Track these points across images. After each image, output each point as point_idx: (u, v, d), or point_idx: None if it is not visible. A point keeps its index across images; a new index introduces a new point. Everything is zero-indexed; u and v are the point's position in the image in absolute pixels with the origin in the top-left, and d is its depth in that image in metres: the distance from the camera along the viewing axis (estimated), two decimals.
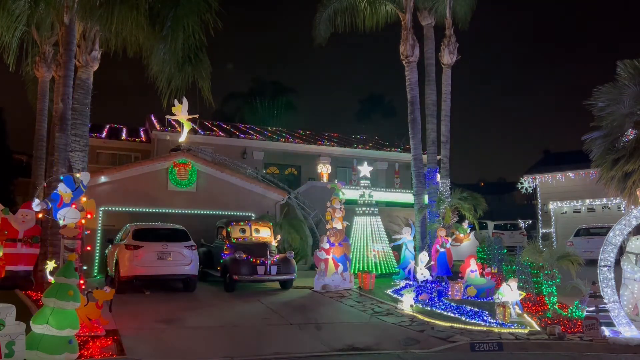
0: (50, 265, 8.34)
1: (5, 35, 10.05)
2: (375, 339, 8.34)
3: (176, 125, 20.84)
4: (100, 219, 15.40)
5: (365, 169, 16.82)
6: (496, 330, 8.90)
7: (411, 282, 13.46)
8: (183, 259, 11.97)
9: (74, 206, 8.04)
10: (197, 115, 16.51)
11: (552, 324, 8.76)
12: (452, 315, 9.87)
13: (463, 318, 9.63)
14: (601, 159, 11.42)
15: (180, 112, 16.07)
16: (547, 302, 10.20)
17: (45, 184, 10.74)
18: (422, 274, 13.03)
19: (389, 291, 12.41)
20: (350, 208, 16.04)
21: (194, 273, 12.24)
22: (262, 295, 12.04)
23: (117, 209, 15.76)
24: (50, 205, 7.99)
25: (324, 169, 24.37)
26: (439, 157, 16.63)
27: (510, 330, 8.86)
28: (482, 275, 12.04)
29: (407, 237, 14.52)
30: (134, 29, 10.88)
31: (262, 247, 12.73)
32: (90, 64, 11.27)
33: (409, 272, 14.18)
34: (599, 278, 8.43)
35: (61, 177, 8.31)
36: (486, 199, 16.38)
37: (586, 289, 9.52)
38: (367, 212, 15.67)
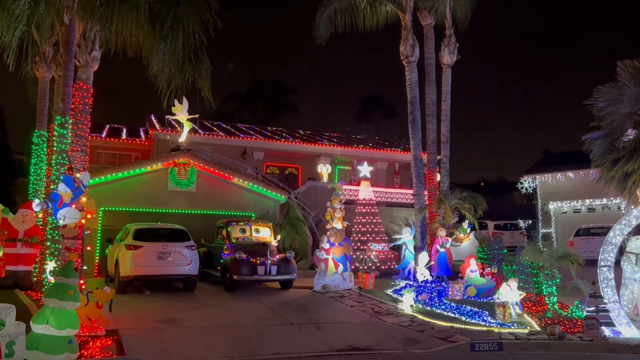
0: (51, 265, 8.35)
1: (5, 35, 10.02)
2: (375, 339, 8.34)
3: (176, 125, 20.83)
4: (100, 219, 15.42)
5: (365, 169, 16.83)
6: (496, 330, 8.91)
7: (411, 282, 13.46)
8: (183, 259, 11.97)
9: (74, 206, 8.04)
10: (197, 115, 16.53)
11: (552, 324, 8.76)
12: (452, 315, 9.88)
13: (463, 318, 9.63)
14: (601, 159, 11.40)
15: (180, 112, 16.11)
16: (547, 302, 10.20)
17: (45, 184, 10.73)
18: (422, 274, 13.03)
19: (389, 291, 12.41)
20: (351, 208, 16.07)
21: (194, 273, 12.24)
22: (262, 295, 12.04)
23: (117, 209, 15.77)
24: (50, 205, 7.99)
25: (324, 169, 24.37)
26: (439, 157, 16.63)
27: (510, 330, 8.86)
28: (482, 275, 12.04)
29: (407, 237, 14.52)
30: (134, 29, 10.87)
31: (262, 247, 12.73)
32: (90, 64, 11.25)
33: (409, 272, 14.18)
34: (599, 278, 8.42)
35: (61, 177, 8.30)
36: (486, 199, 16.38)
37: (586, 289, 9.52)
38: None
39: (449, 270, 13.68)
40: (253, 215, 17.15)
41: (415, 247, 14.83)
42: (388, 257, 15.81)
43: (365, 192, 16.67)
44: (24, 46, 11.61)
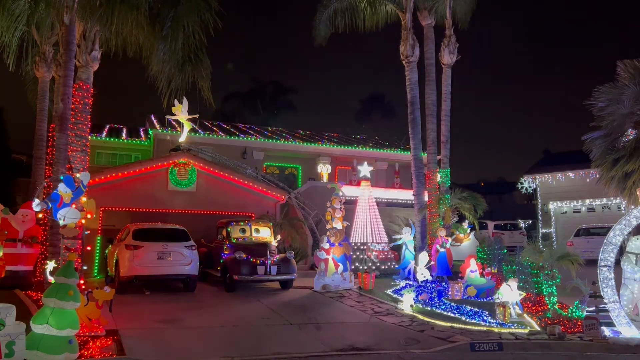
0: (50, 265, 8.33)
1: (5, 35, 10.04)
2: (375, 339, 8.34)
3: (176, 125, 20.84)
4: (100, 219, 15.41)
5: (365, 169, 16.83)
6: (496, 330, 8.91)
7: (411, 282, 13.46)
8: (183, 259, 11.97)
9: (74, 206, 8.03)
10: (197, 115, 16.53)
11: (552, 324, 8.76)
12: (452, 315, 9.88)
13: (463, 318, 9.63)
14: (601, 159, 11.41)
15: (180, 112, 16.11)
16: (547, 302, 10.20)
17: (45, 184, 10.73)
18: (422, 274, 13.03)
19: (389, 291, 12.42)
20: (350, 208, 16.05)
21: (194, 273, 12.24)
22: (262, 295, 12.04)
23: (117, 209, 15.77)
24: (50, 205, 7.98)
25: (324, 169, 24.37)
26: (439, 157, 16.64)
27: (510, 330, 8.86)
28: (482, 275, 12.04)
29: (407, 237, 14.52)
30: (134, 29, 10.89)
31: (262, 247, 12.73)
32: (90, 64, 11.26)
33: (409, 272, 14.18)
34: (599, 278, 8.43)
35: (61, 177, 8.30)
36: (486, 199, 16.42)
37: (586, 289, 9.52)
38: None
39: (449, 270, 13.68)
40: (253, 215, 17.15)
41: (415, 247, 14.83)
42: (388, 257, 15.81)
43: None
44: (24, 46, 11.64)
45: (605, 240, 8.53)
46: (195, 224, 14.76)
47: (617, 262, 8.64)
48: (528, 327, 9.05)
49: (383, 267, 15.30)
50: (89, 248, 12.54)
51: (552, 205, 25.26)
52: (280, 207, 18.27)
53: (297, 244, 16.57)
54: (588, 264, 10.70)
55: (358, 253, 15.34)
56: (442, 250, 13.76)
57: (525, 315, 9.88)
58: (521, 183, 26.45)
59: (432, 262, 13.64)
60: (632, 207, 9.85)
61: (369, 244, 15.62)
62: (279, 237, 14.76)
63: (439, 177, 16.35)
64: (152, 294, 11.75)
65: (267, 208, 17.75)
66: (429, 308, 10.43)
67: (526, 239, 15.96)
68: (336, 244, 13.00)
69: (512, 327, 9.02)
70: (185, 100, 15.68)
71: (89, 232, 11.69)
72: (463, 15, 17.25)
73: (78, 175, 8.53)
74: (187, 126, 16.88)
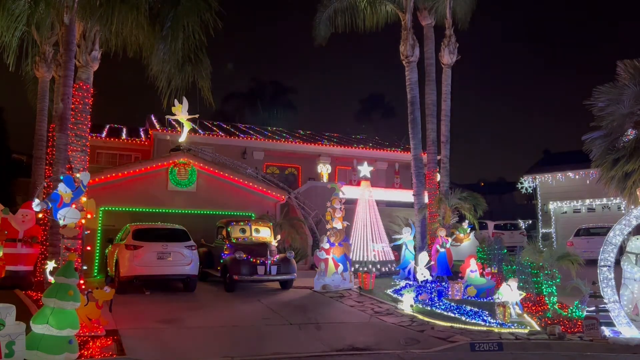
0: (50, 265, 8.33)
1: (5, 35, 10.04)
2: (375, 339, 8.34)
3: (176, 125, 20.84)
4: (100, 219, 15.42)
5: (365, 169, 16.83)
6: (496, 330, 8.91)
7: (411, 282, 13.46)
8: (183, 259, 11.96)
9: (74, 206, 8.03)
10: (197, 115, 16.55)
11: (552, 324, 8.76)
12: (452, 315, 9.88)
13: (463, 318, 9.63)
14: (601, 159, 11.41)
15: (180, 112, 16.12)
16: (547, 302, 10.20)
17: (45, 184, 10.73)
18: (422, 274, 13.03)
19: (389, 291, 12.42)
20: (351, 208, 16.05)
21: (194, 273, 12.24)
22: (262, 295, 12.04)
23: (117, 209, 15.77)
24: (50, 205, 7.98)
25: (324, 169, 24.38)
26: (439, 157, 16.64)
27: (510, 330, 8.86)
28: (482, 275, 12.04)
29: (407, 237, 14.51)
30: (134, 29, 10.90)
31: (262, 247, 12.73)
32: (90, 64, 11.26)
33: (409, 272, 14.18)
34: (599, 278, 8.43)
35: (61, 177, 8.30)
36: (486, 199, 16.40)
37: (586, 289, 9.53)
38: None
39: (449, 270, 13.68)
40: (253, 215, 17.15)
41: (415, 247, 14.81)
42: (388, 257, 15.80)
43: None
44: (24, 46, 11.63)
45: (605, 240, 8.53)
46: (195, 224, 14.77)
47: (617, 262, 8.64)
48: (528, 327, 9.06)
49: (383, 265, 15.27)
50: (89, 248, 12.54)
51: (552, 205, 25.26)
52: (280, 207, 18.27)
53: (297, 244, 16.57)
54: (588, 264, 10.70)
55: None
56: (442, 250, 13.76)
57: (525, 315, 9.88)
58: (521, 183, 26.45)
59: (432, 262, 13.64)
60: (632, 207, 9.85)
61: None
62: (279, 237, 14.76)
63: (438, 177, 16.37)
64: (152, 294, 11.74)
65: (267, 208, 17.76)
66: (429, 308, 10.43)
67: (526, 239, 15.96)
68: (336, 244, 13.01)
69: (512, 327, 9.02)
70: (185, 100, 15.70)
71: (89, 232, 11.69)
72: (463, 15, 17.26)
73: (78, 175, 8.53)
74: (187, 126, 16.90)
